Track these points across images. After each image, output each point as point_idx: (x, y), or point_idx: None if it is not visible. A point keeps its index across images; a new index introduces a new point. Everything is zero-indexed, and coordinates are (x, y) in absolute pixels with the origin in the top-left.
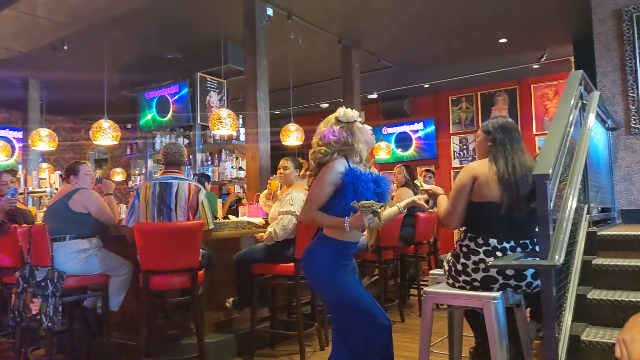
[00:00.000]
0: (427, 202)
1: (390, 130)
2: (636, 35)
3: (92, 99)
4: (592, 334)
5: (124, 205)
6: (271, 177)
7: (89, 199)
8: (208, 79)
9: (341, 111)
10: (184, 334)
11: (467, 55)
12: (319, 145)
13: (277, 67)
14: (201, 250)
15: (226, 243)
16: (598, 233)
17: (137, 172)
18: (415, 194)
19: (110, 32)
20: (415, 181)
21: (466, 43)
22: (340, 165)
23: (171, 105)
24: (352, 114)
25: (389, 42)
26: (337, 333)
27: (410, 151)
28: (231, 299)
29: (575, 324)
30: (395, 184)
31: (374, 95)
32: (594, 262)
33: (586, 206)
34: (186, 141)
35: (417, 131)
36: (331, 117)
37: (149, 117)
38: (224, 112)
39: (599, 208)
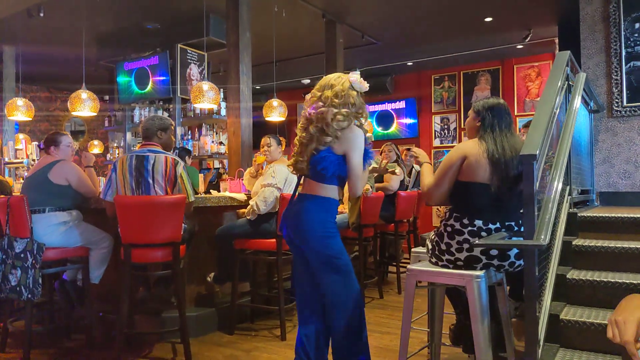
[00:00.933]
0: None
1: (372, 108)
2: (622, 17)
3: (69, 69)
4: (570, 313)
5: (104, 178)
6: (256, 153)
7: (70, 171)
8: (189, 51)
9: (356, 79)
10: (165, 308)
11: (452, 34)
12: (337, 106)
13: (260, 40)
14: (183, 224)
15: (208, 218)
16: (578, 214)
17: (115, 144)
18: (404, 171)
19: (88, 0)
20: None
21: (452, 21)
22: (361, 131)
23: (150, 77)
24: (366, 85)
25: (374, 18)
26: (317, 305)
27: (392, 129)
28: (212, 273)
29: (554, 303)
30: (385, 161)
31: (357, 72)
32: (573, 242)
33: (568, 187)
34: (166, 114)
35: (398, 109)
36: (337, 80)
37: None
38: (206, 85)
39: (579, 190)
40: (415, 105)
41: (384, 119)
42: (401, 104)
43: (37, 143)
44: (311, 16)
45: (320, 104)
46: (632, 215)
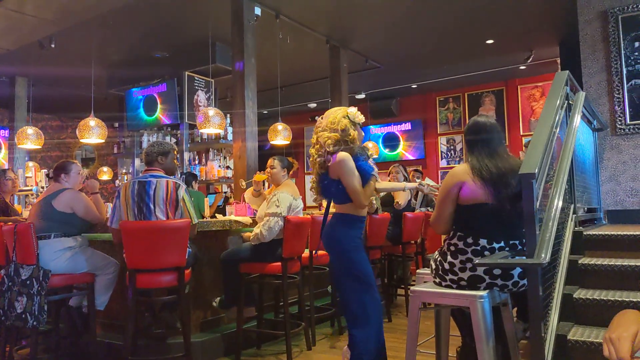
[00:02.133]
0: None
1: (378, 130)
2: (621, 37)
3: (79, 97)
4: (578, 333)
5: (111, 204)
6: (258, 172)
7: (75, 199)
8: (196, 78)
9: (353, 110)
10: (171, 333)
11: (455, 56)
12: (330, 131)
13: (265, 66)
14: (188, 248)
15: (213, 242)
16: (584, 233)
17: (124, 171)
18: (411, 193)
19: (98, 30)
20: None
21: (454, 44)
22: (346, 155)
23: (159, 104)
24: (361, 117)
25: (377, 42)
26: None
27: (398, 151)
28: (218, 298)
29: (562, 324)
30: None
31: (362, 96)
32: (580, 261)
33: (572, 206)
34: (173, 140)
35: (404, 131)
36: (335, 111)
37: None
38: (212, 111)
39: (585, 208)
40: (421, 127)
41: (390, 141)
42: (407, 126)
43: (45, 171)
44: (315, 42)
45: (320, 129)
46: (638, 233)
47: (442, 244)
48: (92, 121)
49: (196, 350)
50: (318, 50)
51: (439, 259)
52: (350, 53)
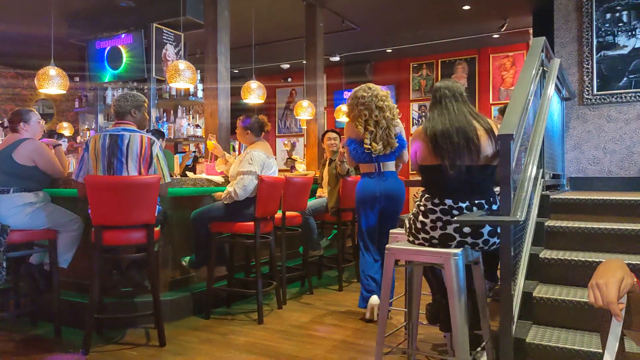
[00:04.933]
0: None
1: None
2: (594, 8)
3: (37, 48)
4: (543, 291)
5: (73, 159)
6: (209, 136)
7: (36, 151)
8: (164, 31)
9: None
10: (139, 292)
11: (431, 21)
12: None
13: (239, 23)
14: (157, 206)
15: (183, 200)
16: (551, 197)
17: (86, 127)
18: None
19: None
20: None
21: (431, 8)
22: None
23: (124, 56)
24: None
25: (355, 3)
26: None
27: None
28: (187, 257)
29: (527, 282)
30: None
31: (337, 58)
32: (546, 223)
33: (541, 171)
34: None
35: None
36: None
37: (99, 68)
38: (182, 64)
39: (551, 174)
40: (394, 92)
41: None
42: None
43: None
44: None
45: (387, 103)
46: (601, 198)
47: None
48: (52, 70)
49: (165, 308)
50: (294, 7)
51: (412, 218)
52: (327, 12)
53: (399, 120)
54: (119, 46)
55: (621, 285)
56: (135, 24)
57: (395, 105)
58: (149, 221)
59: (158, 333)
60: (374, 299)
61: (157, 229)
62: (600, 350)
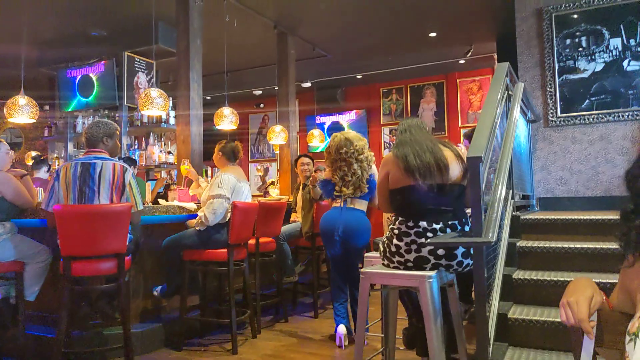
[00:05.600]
0: None
1: (323, 119)
2: (554, 34)
3: (6, 76)
4: (517, 312)
5: (42, 189)
6: (183, 161)
7: (3, 181)
8: (136, 59)
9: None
10: (108, 324)
11: (399, 48)
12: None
13: (211, 50)
14: (129, 234)
15: (155, 228)
16: (521, 217)
17: (55, 155)
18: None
19: (29, 4)
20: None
21: (399, 35)
22: None
23: (95, 85)
24: None
25: (325, 31)
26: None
27: None
28: (159, 287)
29: (502, 303)
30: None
31: (308, 84)
32: (518, 244)
33: (511, 191)
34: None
35: (349, 121)
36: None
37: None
38: (155, 92)
39: (520, 195)
40: (365, 117)
41: (336, 130)
42: (352, 116)
43: None
44: (263, 27)
45: (364, 149)
46: (570, 217)
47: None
48: (22, 99)
49: (136, 340)
50: (266, 36)
51: (386, 242)
52: (298, 40)
53: (373, 165)
54: (90, 74)
55: (591, 303)
56: (107, 52)
57: (372, 154)
58: (119, 250)
59: None
60: (341, 329)
61: (128, 258)
62: None
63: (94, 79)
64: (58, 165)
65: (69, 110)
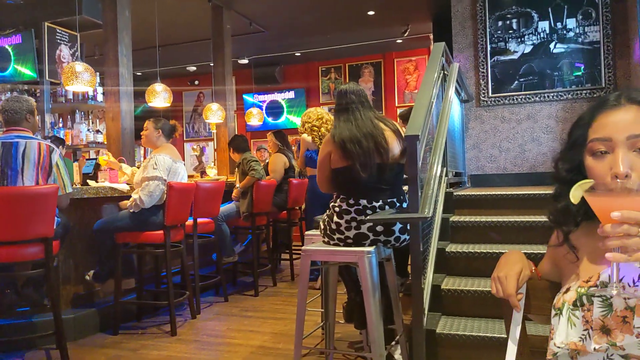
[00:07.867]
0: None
1: (261, 97)
2: (487, 15)
3: None
4: (450, 283)
5: None
6: (102, 152)
7: None
8: (58, 30)
9: None
10: (37, 311)
11: (338, 26)
12: None
13: (141, 24)
14: (56, 218)
15: (86, 211)
16: (454, 193)
17: None
18: (289, 159)
19: None
20: None
21: (337, 13)
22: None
23: (12, 58)
24: None
25: (262, 6)
26: None
27: (282, 119)
28: (92, 271)
29: (436, 275)
30: (269, 151)
31: (245, 61)
32: (451, 219)
33: (445, 169)
34: (32, 99)
35: (288, 99)
36: None
37: None
38: (80, 66)
39: (454, 172)
40: (304, 95)
41: (274, 109)
42: (290, 94)
43: None
44: (197, 0)
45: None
46: (499, 193)
47: (329, 207)
48: None
49: (68, 327)
50: (199, 9)
51: (326, 219)
52: (234, 14)
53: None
54: (6, 46)
55: (519, 277)
56: (25, 22)
57: None
58: (46, 235)
59: (61, 354)
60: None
61: (56, 242)
62: (505, 335)
63: (11, 50)
64: None
65: None
